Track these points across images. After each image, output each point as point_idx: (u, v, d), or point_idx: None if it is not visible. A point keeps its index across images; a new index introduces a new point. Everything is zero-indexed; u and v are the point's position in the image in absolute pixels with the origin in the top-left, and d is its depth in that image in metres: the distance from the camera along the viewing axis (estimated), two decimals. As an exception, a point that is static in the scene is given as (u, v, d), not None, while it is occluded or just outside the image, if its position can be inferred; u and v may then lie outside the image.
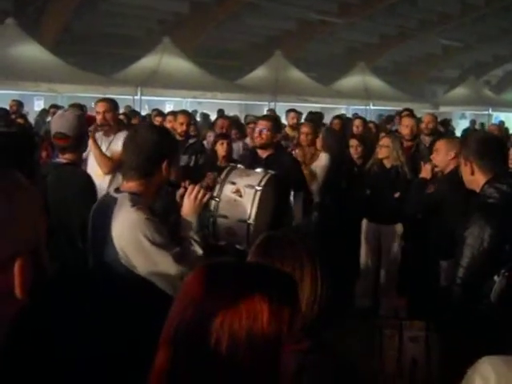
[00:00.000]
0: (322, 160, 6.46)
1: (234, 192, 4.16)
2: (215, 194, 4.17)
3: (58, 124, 3.64)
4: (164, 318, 2.53)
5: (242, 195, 4.15)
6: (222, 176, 4.29)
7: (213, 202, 4.15)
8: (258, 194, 4.10)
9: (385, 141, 6.06)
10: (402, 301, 3.40)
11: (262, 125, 5.15)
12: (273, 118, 5.72)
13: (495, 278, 3.00)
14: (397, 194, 5.80)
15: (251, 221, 3.98)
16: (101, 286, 2.63)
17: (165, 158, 2.76)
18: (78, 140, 3.59)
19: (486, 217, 3.03)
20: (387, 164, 6.00)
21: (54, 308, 2.02)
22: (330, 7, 21.94)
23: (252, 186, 4.13)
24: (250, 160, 5.01)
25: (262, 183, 4.17)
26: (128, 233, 2.53)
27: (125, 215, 2.56)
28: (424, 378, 3.07)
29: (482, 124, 18.16)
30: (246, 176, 4.33)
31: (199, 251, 2.74)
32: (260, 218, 4.13)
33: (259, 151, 5.18)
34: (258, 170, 4.52)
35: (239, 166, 4.58)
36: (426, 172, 5.16)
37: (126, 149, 2.75)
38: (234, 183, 4.22)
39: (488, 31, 27.19)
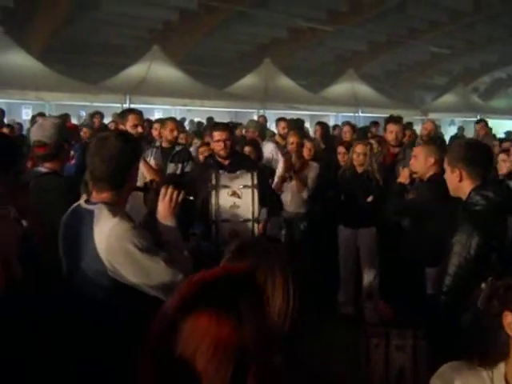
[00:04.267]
0: (313, 169, 6.47)
1: (232, 195, 4.29)
2: (213, 202, 4.22)
3: (36, 133, 3.63)
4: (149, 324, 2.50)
5: (240, 196, 4.28)
6: (213, 182, 4.33)
7: (213, 209, 4.21)
8: (256, 191, 4.29)
9: (361, 148, 6.08)
10: (387, 306, 3.36)
11: (224, 136, 5.16)
12: (227, 125, 5.69)
13: (482, 285, 2.97)
14: (369, 198, 5.90)
15: (255, 218, 4.21)
16: (80, 297, 2.58)
17: (133, 165, 2.73)
18: (56, 148, 3.56)
19: (473, 225, 3.01)
20: (359, 169, 6.05)
21: (23, 316, 1.99)
22: (318, 15, 21.99)
23: (248, 186, 4.32)
24: (217, 168, 5.00)
25: (255, 181, 4.31)
26: (116, 244, 2.48)
27: (109, 227, 2.50)
28: (411, 387, 3.03)
29: (462, 128, 18.25)
30: (235, 178, 4.45)
31: (185, 252, 2.71)
32: (260, 214, 4.32)
33: (220, 159, 5.22)
34: (239, 172, 4.58)
35: (221, 171, 4.63)
36: (404, 177, 5.17)
37: (95, 159, 2.66)
38: (227, 187, 4.32)
39: (476, 39, 27.35)
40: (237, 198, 4.27)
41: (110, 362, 2.39)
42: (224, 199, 4.28)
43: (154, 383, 1.09)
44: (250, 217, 4.20)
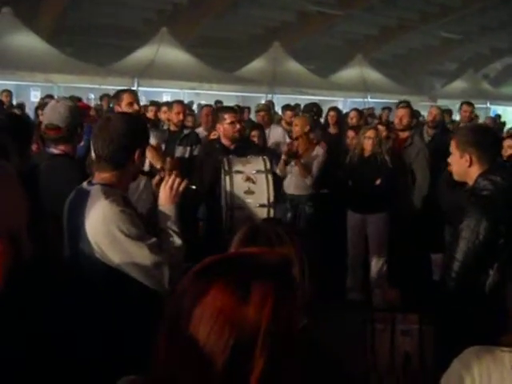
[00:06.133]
0: (318, 153, 6.44)
1: (246, 180, 4.19)
2: (227, 188, 4.16)
3: (49, 115, 3.57)
4: (139, 308, 2.53)
5: (254, 181, 4.21)
6: (226, 168, 4.26)
7: (227, 195, 4.15)
8: (270, 176, 4.24)
9: (372, 133, 6.09)
10: (395, 292, 3.35)
11: (237, 117, 5.07)
12: (236, 109, 5.60)
13: (489, 271, 2.97)
14: (378, 181, 5.87)
15: (271, 203, 4.13)
16: (75, 278, 2.61)
17: (137, 148, 2.70)
18: (70, 131, 3.53)
19: (481, 210, 3.00)
20: (366, 153, 6.05)
21: (29, 296, 2.00)
22: (329, -2, 21.85)
23: (261, 171, 4.25)
24: (221, 152, 4.90)
25: (268, 166, 4.29)
26: (102, 226, 2.48)
27: (98, 208, 2.50)
28: (417, 372, 3.04)
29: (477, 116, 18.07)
30: (247, 163, 4.36)
31: (178, 241, 2.68)
32: (275, 199, 4.22)
33: (226, 143, 5.09)
34: (248, 156, 4.52)
35: (230, 156, 4.56)
36: None
37: (97, 139, 2.65)
38: (241, 172, 4.23)
39: (487, 24, 27.08)
40: (251, 183, 4.18)
41: (103, 345, 2.46)
42: (238, 185, 4.18)
43: (165, 356, 1.10)
44: (265, 202, 4.12)
